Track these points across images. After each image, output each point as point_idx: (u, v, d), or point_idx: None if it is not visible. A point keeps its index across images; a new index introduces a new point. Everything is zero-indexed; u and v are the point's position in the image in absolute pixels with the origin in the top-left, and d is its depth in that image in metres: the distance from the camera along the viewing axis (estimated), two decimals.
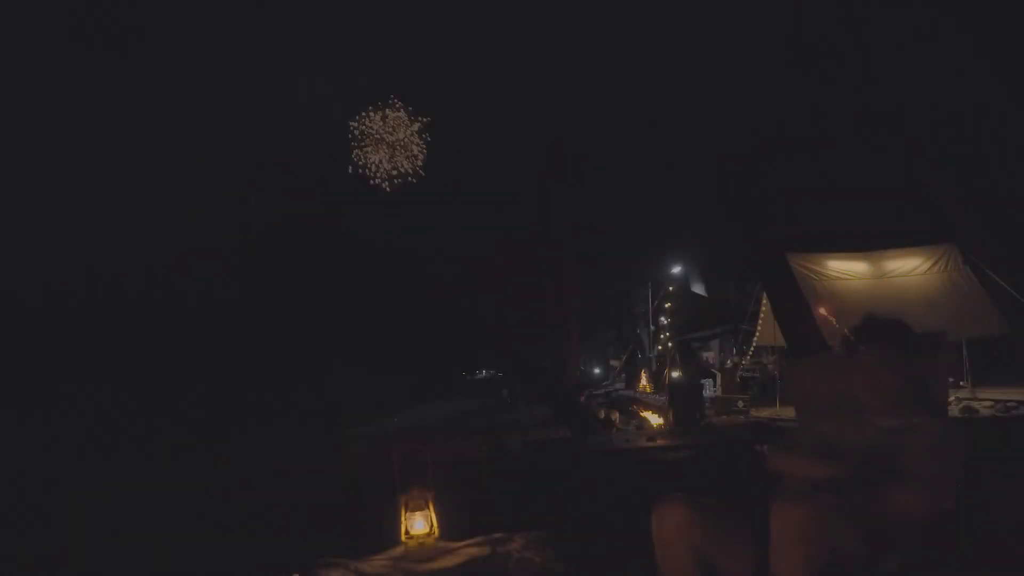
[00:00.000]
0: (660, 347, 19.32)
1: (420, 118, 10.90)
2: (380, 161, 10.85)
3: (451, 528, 3.32)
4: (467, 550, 3.19)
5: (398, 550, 3.17)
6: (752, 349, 14.72)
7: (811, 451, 2.02)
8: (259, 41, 9.54)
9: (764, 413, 10.39)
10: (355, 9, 9.39)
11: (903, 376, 1.97)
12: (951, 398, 8.31)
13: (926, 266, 10.23)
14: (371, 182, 10.84)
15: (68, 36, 9.20)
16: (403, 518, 3.15)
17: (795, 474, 1.98)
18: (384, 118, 10.75)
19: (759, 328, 13.08)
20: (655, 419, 8.76)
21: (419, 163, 10.78)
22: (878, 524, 1.74)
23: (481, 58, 9.46)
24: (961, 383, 9.70)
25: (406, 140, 10.83)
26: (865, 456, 1.91)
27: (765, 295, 11.34)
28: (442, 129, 10.76)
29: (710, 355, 19.67)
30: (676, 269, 20.29)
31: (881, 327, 2.04)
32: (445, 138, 10.82)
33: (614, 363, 27.36)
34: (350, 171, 11.04)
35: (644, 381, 17.47)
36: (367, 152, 10.86)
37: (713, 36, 9.97)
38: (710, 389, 13.21)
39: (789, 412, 9.96)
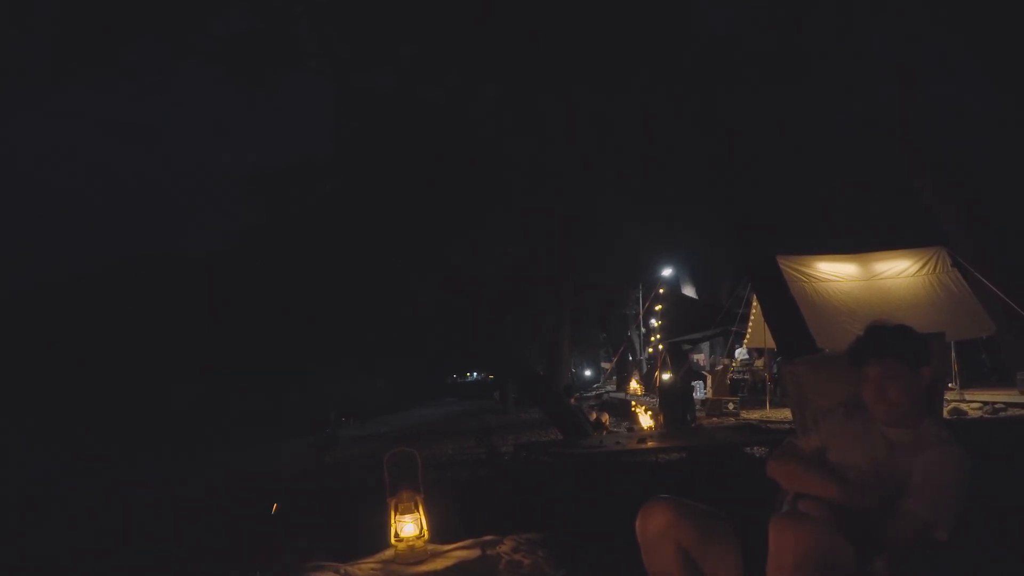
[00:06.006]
0: (651, 349, 19.36)
1: None
2: None
3: (441, 531, 3.31)
4: (457, 553, 3.18)
5: (388, 553, 3.16)
6: (743, 351, 14.78)
7: (811, 465, 1.97)
8: (255, 42, 9.51)
9: (754, 415, 10.42)
10: (351, 10, 9.39)
11: (912, 388, 1.92)
12: None
13: (915, 268, 10.28)
14: None
15: (59, 35, 9.12)
16: (393, 521, 3.13)
17: (793, 489, 1.96)
18: None
19: (749, 330, 13.13)
20: (646, 421, 8.77)
21: None
22: (867, 530, 1.73)
23: (476, 57, 9.47)
24: (950, 384, 9.75)
25: None
26: (867, 477, 1.88)
27: (755, 297, 11.38)
28: (436, 129, 10.76)
29: (700, 357, 19.71)
30: (667, 271, 20.33)
31: (887, 340, 1.95)
32: (440, 139, 10.82)
33: (605, 365, 27.39)
34: None
35: (635, 383, 17.49)
36: None
37: (709, 40, 10.01)
38: (701, 391, 13.24)
39: (780, 414, 10.01)
